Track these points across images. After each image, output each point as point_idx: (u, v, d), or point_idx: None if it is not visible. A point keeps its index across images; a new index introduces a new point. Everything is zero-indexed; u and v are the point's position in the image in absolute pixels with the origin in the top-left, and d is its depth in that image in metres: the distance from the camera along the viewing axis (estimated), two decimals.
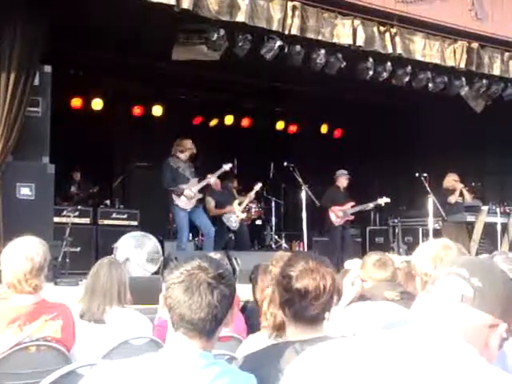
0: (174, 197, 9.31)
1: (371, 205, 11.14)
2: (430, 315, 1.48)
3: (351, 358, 1.43)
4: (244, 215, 10.59)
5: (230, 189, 10.91)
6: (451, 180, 10.86)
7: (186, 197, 9.31)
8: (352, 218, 11.09)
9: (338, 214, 10.90)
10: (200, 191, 9.53)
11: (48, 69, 7.75)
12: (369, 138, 13.23)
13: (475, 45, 9.21)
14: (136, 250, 8.73)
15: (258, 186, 11.06)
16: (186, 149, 9.56)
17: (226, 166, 9.75)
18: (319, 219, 11.59)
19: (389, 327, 1.56)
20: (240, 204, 10.60)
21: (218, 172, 9.73)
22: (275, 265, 3.01)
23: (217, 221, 10.60)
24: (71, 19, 8.00)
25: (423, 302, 1.53)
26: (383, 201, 11.00)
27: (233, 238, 10.76)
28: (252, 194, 11.01)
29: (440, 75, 9.53)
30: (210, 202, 10.44)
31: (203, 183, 9.54)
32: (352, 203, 11.12)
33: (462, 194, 10.89)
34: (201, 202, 9.68)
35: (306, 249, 9.68)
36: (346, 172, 11.27)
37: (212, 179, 9.64)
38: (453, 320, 1.45)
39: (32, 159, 7.61)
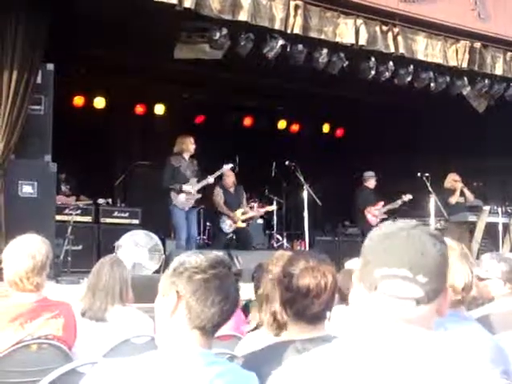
0: (172, 196, 9.28)
1: (399, 202, 11.43)
2: (391, 323, 1.43)
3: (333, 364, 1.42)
4: (244, 225, 10.60)
5: (241, 193, 10.90)
6: (451, 180, 10.88)
7: (185, 193, 9.26)
8: (386, 216, 11.24)
9: (374, 214, 11.22)
10: (199, 192, 9.51)
11: (50, 67, 7.74)
12: (370, 137, 13.21)
13: (477, 44, 9.21)
14: (137, 249, 8.73)
15: (271, 207, 11.34)
16: (187, 145, 9.51)
17: (227, 166, 9.81)
18: (324, 220, 11.65)
19: None
20: (243, 214, 10.61)
21: (218, 172, 9.78)
22: (275, 264, 3.01)
23: (214, 220, 10.63)
24: (73, 17, 8.01)
25: (371, 307, 1.46)
26: (407, 198, 11.31)
27: (234, 237, 10.76)
28: (261, 211, 11.12)
29: (442, 75, 9.53)
30: (219, 195, 10.45)
31: (203, 183, 9.51)
32: (382, 202, 11.45)
33: (463, 194, 10.89)
34: (199, 203, 9.70)
35: (307, 248, 9.68)
36: (373, 173, 11.66)
37: (211, 179, 9.61)
38: (415, 321, 1.43)
39: (34, 157, 7.60)
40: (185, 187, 9.26)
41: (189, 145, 9.50)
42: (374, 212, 11.27)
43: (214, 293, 1.86)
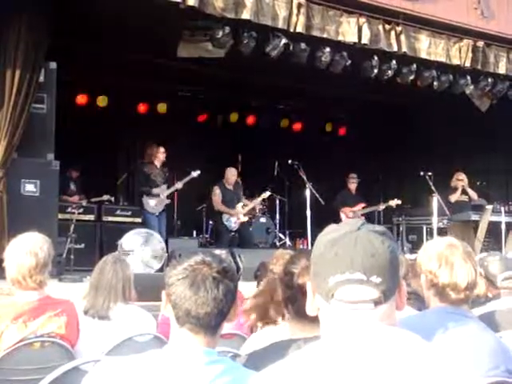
0: (143, 201, 9.68)
1: (382, 206, 11.39)
2: (356, 330, 1.42)
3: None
4: (246, 218, 10.64)
5: (239, 188, 10.94)
6: (454, 179, 10.89)
7: (155, 198, 9.70)
8: (362, 218, 11.19)
9: (348, 215, 11.18)
10: (168, 197, 9.94)
11: (53, 65, 7.75)
12: (373, 136, 13.20)
13: (481, 43, 9.19)
14: (140, 247, 8.74)
15: (266, 194, 11.22)
16: (158, 155, 9.99)
17: (195, 173, 10.09)
18: (325, 218, 11.65)
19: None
20: (244, 207, 10.64)
21: (187, 179, 10.08)
22: (275, 263, 3.02)
23: (216, 218, 10.66)
24: (77, 16, 8.01)
25: (330, 315, 1.47)
26: (394, 203, 11.30)
27: (236, 235, 10.76)
28: (258, 201, 11.15)
29: (445, 74, 9.51)
30: (217, 195, 10.54)
31: (171, 189, 9.96)
32: (363, 204, 11.40)
33: (466, 193, 10.89)
34: (167, 208, 10.06)
35: (309, 247, 9.67)
36: (354, 176, 11.76)
37: (180, 185, 10.01)
38: (376, 321, 1.43)
39: (37, 156, 7.61)
40: (154, 190, 9.72)
41: (159, 154, 10.01)
42: (348, 213, 11.32)
43: (205, 290, 1.85)
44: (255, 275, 3.86)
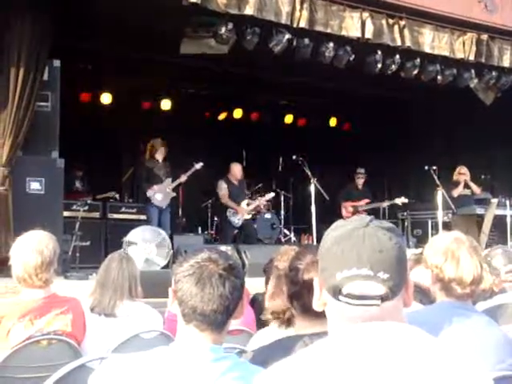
0: (149, 195, 9.67)
1: (385, 204, 11.33)
2: (363, 326, 1.42)
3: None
4: (249, 216, 10.63)
5: (244, 184, 10.94)
6: (456, 173, 10.85)
7: (162, 193, 9.70)
8: (364, 214, 11.17)
9: (348, 210, 11.17)
10: (174, 190, 9.96)
11: (57, 63, 7.76)
12: (377, 130, 13.18)
13: (485, 37, 9.16)
14: (145, 244, 8.74)
15: (270, 195, 11.27)
16: (159, 149, 9.95)
17: (198, 165, 10.06)
18: (330, 213, 11.68)
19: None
20: (248, 205, 10.63)
21: (191, 171, 10.05)
22: (279, 259, 3.02)
23: (221, 214, 10.66)
24: (80, 13, 8.02)
25: (338, 310, 1.48)
26: (400, 201, 11.20)
27: (241, 232, 10.76)
28: (263, 201, 11.15)
29: (449, 67, 9.48)
30: (224, 189, 10.53)
31: (176, 182, 9.96)
32: (366, 200, 11.37)
33: (469, 187, 10.85)
34: (171, 205, 10.06)
35: (315, 242, 9.66)
36: (361, 171, 11.71)
37: (184, 178, 10.00)
38: (384, 318, 1.43)
39: (41, 154, 7.62)
40: (161, 187, 9.73)
41: (161, 148, 9.97)
42: (348, 208, 11.32)
43: (212, 286, 1.86)
44: (264, 270, 3.85)
